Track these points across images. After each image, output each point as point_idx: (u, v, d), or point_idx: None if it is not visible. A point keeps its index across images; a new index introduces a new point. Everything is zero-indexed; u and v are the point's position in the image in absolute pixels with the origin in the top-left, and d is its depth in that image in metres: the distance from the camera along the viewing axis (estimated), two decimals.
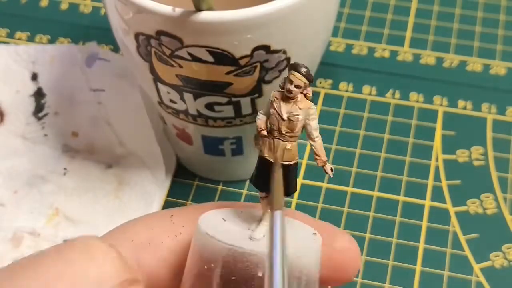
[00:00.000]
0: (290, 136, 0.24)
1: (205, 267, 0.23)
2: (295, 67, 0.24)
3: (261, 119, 0.25)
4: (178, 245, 0.26)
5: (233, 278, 0.23)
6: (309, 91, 0.24)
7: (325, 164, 0.25)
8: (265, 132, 0.24)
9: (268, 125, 0.24)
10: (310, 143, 0.25)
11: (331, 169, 0.25)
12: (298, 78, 0.24)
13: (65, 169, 0.41)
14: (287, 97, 0.24)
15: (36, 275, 0.23)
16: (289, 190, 0.24)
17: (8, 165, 0.41)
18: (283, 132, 0.24)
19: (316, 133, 0.24)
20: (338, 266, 0.26)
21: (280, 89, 0.24)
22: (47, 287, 0.22)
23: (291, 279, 0.23)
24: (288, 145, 0.24)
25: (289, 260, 0.21)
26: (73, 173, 0.41)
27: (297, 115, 0.24)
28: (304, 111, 0.24)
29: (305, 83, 0.24)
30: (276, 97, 0.24)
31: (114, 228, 0.27)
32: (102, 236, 0.26)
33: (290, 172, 0.24)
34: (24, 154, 0.41)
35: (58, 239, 0.38)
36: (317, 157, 0.25)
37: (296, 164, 0.25)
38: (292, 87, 0.24)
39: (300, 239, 0.25)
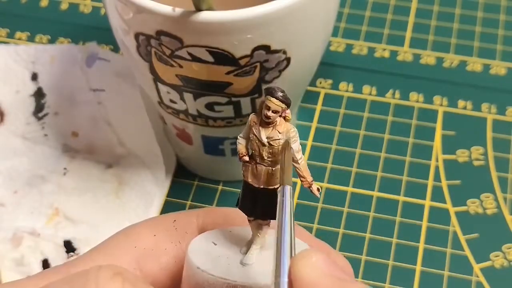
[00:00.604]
0: (272, 161, 0.23)
1: None
2: (271, 92, 0.23)
3: (241, 143, 0.24)
4: (181, 252, 0.26)
5: None
6: (288, 113, 0.23)
7: (311, 184, 0.24)
8: (246, 158, 0.23)
9: (250, 150, 0.24)
10: (294, 165, 0.23)
11: (318, 189, 0.24)
12: (274, 104, 0.23)
13: (65, 169, 0.41)
14: (265, 122, 0.23)
15: None
16: (275, 214, 0.23)
17: (8, 165, 0.41)
18: (265, 158, 0.23)
19: (299, 155, 0.23)
20: None
21: (258, 113, 0.23)
22: None
23: None
24: (271, 170, 0.23)
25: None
26: (73, 173, 0.41)
27: (278, 139, 0.23)
28: (284, 134, 0.23)
29: (282, 107, 0.23)
30: (254, 122, 0.23)
31: (117, 233, 0.27)
32: (106, 240, 0.26)
33: (271, 197, 0.23)
34: (24, 154, 0.41)
35: (58, 239, 0.38)
36: (302, 179, 0.24)
37: (277, 189, 0.23)
38: (269, 113, 0.23)
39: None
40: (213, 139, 0.37)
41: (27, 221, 0.39)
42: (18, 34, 0.48)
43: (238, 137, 0.24)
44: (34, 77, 0.44)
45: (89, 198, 0.40)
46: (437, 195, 0.40)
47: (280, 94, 0.23)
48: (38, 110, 0.43)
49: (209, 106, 0.34)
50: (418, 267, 0.38)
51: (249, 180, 0.24)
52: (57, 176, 0.40)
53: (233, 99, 0.34)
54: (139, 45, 0.32)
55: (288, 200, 0.21)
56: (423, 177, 0.41)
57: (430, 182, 0.41)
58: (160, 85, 0.34)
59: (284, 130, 0.23)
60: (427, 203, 0.40)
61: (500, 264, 0.38)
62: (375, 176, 0.41)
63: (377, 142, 0.42)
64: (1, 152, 0.41)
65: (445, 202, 0.40)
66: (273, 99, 0.23)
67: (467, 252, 0.38)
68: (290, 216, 0.21)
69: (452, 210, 0.40)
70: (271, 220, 0.24)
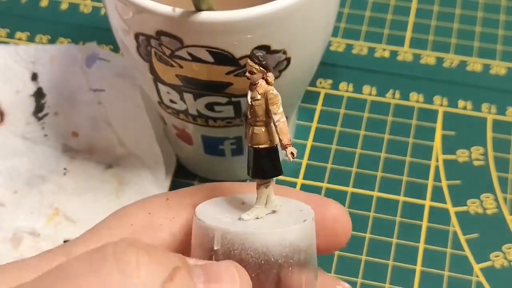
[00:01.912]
0: (255, 121, 0.25)
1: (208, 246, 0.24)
2: (249, 55, 0.25)
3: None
4: (176, 227, 0.27)
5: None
6: (269, 76, 0.25)
7: (286, 147, 0.25)
8: (244, 119, 0.25)
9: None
10: (273, 126, 0.25)
11: (292, 153, 0.25)
12: (250, 65, 0.24)
13: (65, 169, 0.41)
14: (250, 83, 0.25)
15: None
16: (265, 174, 0.25)
17: (8, 165, 0.41)
18: (249, 117, 0.25)
19: (276, 117, 0.25)
20: (331, 234, 0.27)
21: None
22: None
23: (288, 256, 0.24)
24: (255, 129, 0.25)
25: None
26: (73, 173, 0.41)
27: (257, 99, 0.25)
28: (263, 95, 0.25)
29: (256, 69, 0.24)
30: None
31: (110, 214, 0.27)
32: (100, 222, 0.27)
33: (258, 156, 0.25)
34: (24, 154, 0.41)
35: (58, 239, 0.38)
36: (280, 141, 0.25)
37: (266, 149, 0.25)
38: (247, 74, 0.25)
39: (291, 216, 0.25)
40: (213, 139, 0.37)
41: (27, 221, 0.39)
42: (18, 34, 0.48)
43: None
44: (34, 77, 0.44)
45: (89, 198, 0.40)
46: (437, 195, 0.40)
47: (256, 56, 0.24)
48: (38, 110, 0.43)
49: (209, 106, 0.34)
50: (418, 267, 0.38)
51: (245, 140, 0.25)
52: (57, 176, 0.40)
53: (233, 99, 0.34)
54: (139, 45, 0.32)
55: None
56: (423, 177, 0.41)
57: (430, 182, 0.41)
58: (160, 85, 0.34)
59: (262, 92, 0.25)
60: (427, 203, 0.40)
61: (500, 264, 0.38)
62: (375, 176, 0.41)
63: (377, 142, 0.42)
64: (1, 152, 0.41)
65: (445, 202, 0.40)
66: (249, 61, 0.24)
67: (467, 252, 0.38)
68: None
69: (452, 210, 0.40)
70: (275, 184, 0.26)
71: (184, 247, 0.27)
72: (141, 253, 0.23)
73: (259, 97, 0.25)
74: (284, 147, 0.25)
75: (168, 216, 0.27)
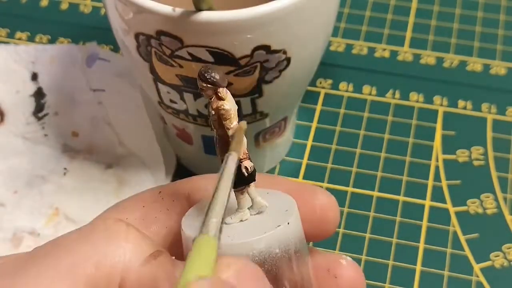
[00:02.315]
0: (217, 134, 0.25)
1: None
2: (198, 74, 0.24)
3: None
4: (171, 219, 0.27)
5: None
6: (221, 91, 0.25)
7: (242, 161, 0.25)
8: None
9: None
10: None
11: (246, 168, 0.25)
12: (199, 84, 0.25)
13: (65, 169, 0.41)
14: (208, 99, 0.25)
15: (63, 257, 0.24)
16: (234, 184, 0.25)
17: (8, 165, 0.41)
18: (212, 129, 0.25)
19: (230, 132, 0.25)
20: (320, 221, 0.27)
21: None
22: (74, 268, 0.23)
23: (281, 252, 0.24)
24: (217, 140, 0.25)
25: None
26: (73, 173, 0.41)
27: (212, 115, 0.25)
28: (216, 111, 0.25)
29: (203, 86, 0.24)
30: None
31: (105, 211, 0.28)
32: (96, 218, 0.27)
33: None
34: (24, 154, 0.41)
35: None
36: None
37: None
38: (201, 92, 0.25)
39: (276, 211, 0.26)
40: (213, 139, 0.37)
41: (27, 221, 0.39)
42: (18, 34, 0.48)
43: None
44: (34, 77, 0.44)
45: (89, 198, 0.40)
46: (437, 195, 0.40)
47: (203, 76, 0.24)
48: (38, 110, 0.43)
49: None
50: (418, 267, 0.38)
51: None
52: (57, 176, 0.40)
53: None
54: (139, 45, 0.32)
55: (229, 165, 0.23)
56: (423, 177, 0.41)
57: (430, 182, 0.41)
58: (160, 85, 0.34)
59: (215, 107, 0.25)
60: (427, 203, 0.40)
61: (500, 264, 0.38)
62: (375, 176, 0.41)
63: (377, 142, 0.42)
64: (1, 152, 0.41)
65: (445, 202, 0.40)
66: (198, 80, 0.25)
67: (467, 252, 0.38)
68: (226, 182, 0.23)
69: (452, 210, 0.40)
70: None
71: (178, 240, 0.27)
72: (130, 228, 0.25)
73: (213, 112, 0.25)
74: (240, 161, 0.25)
75: (162, 208, 0.27)
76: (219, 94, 0.25)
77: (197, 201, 0.27)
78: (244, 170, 0.25)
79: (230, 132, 0.25)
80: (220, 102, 0.25)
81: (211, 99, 0.25)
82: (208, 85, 0.24)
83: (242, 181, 0.25)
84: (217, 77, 0.25)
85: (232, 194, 0.26)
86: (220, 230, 0.21)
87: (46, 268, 0.23)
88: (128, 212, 0.27)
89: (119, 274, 0.24)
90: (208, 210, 0.22)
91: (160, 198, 0.28)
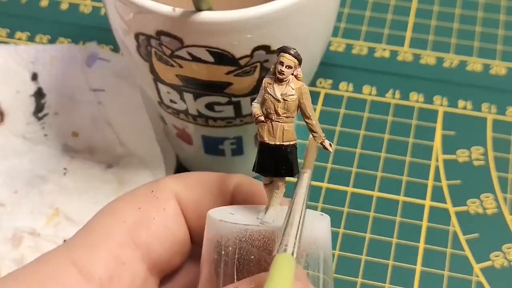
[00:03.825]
0: (287, 117, 0.25)
1: (223, 252, 0.24)
2: (284, 49, 0.25)
3: (256, 107, 0.26)
4: (168, 219, 0.27)
5: (252, 257, 0.24)
6: (299, 72, 0.25)
7: (324, 140, 0.25)
8: (262, 117, 0.25)
9: (264, 111, 0.25)
10: (306, 122, 0.25)
11: (330, 145, 0.25)
12: (288, 59, 0.25)
13: (65, 169, 0.41)
14: (279, 79, 0.25)
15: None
16: (292, 171, 0.25)
17: (8, 165, 0.41)
18: (280, 114, 0.25)
19: (311, 112, 0.25)
20: None
21: (271, 75, 0.25)
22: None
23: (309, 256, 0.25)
24: (286, 126, 0.25)
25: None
26: (73, 173, 0.40)
27: (291, 94, 0.25)
28: (297, 90, 0.25)
29: (295, 63, 0.25)
30: (268, 83, 0.25)
31: (100, 212, 0.28)
32: (92, 220, 0.27)
33: (291, 152, 0.25)
34: (24, 154, 0.41)
35: (58, 239, 0.38)
36: (314, 134, 0.26)
37: (295, 145, 0.25)
38: (283, 68, 0.25)
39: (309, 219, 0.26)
40: (213, 139, 0.37)
41: (27, 221, 0.39)
42: (18, 34, 0.48)
43: (253, 102, 0.26)
44: (34, 77, 0.44)
45: (89, 198, 0.40)
46: (437, 195, 0.40)
47: (292, 50, 0.25)
48: (38, 110, 0.43)
49: (209, 106, 0.34)
50: (418, 267, 0.38)
51: (266, 139, 0.25)
52: (57, 176, 0.40)
53: (233, 99, 0.34)
54: (139, 45, 0.32)
55: (305, 182, 0.24)
56: (423, 177, 0.41)
57: (430, 182, 0.41)
58: (160, 85, 0.34)
59: (296, 86, 0.25)
60: (427, 203, 0.40)
61: (500, 264, 0.38)
62: (375, 176, 0.41)
63: (377, 142, 0.42)
64: (1, 152, 0.41)
65: (445, 202, 0.40)
66: (286, 55, 0.25)
67: (467, 252, 0.38)
68: (304, 197, 0.24)
69: (452, 210, 0.40)
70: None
71: (175, 238, 0.27)
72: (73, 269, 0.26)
73: (293, 92, 0.25)
74: (322, 140, 0.25)
75: (159, 208, 0.27)
76: (298, 75, 0.25)
77: (189, 200, 0.28)
78: (328, 146, 0.25)
79: (310, 112, 0.25)
80: (300, 82, 0.25)
81: (285, 80, 0.25)
82: (295, 61, 0.25)
83: (297, 167, 0.25)
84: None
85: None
86: (295, 248, 0.22)
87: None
88: (125, 215, 0.27)
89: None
90: (285, 228, 0.22)
91: (154, 197, 0.28)
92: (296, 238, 0.22)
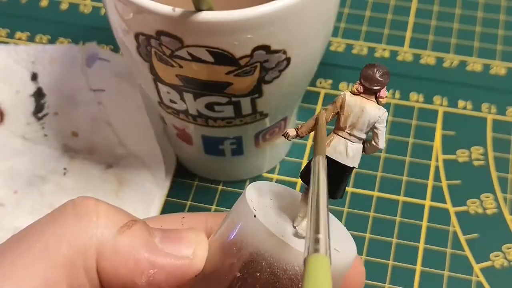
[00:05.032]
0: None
1: (251, 252, 0.24)
2: (371, 74, 0.24)
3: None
4: None
5: (269, 269, 0.23)
6: (383, 93, 0.24)
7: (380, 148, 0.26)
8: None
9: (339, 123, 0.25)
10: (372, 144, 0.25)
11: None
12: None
13: (65, 169, 0.41)
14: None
15: (36, 241, 0.24)
16: (338, 194, 0.25)
17: (8, 165, 0.41)
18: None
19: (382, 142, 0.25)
20: (347, 283, 0.26)
21: (355, 90, 0.25)
22: (48, 251, 0.24)
23: None
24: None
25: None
26: (73, 173, 0.41)
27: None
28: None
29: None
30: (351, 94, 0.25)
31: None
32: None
33: (346, 174, 0.25)
34: (24, 154, 0.41)
35: None
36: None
37: (352, 168, 0.25)
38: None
39: (339, 236, 0.25)
40: (213, 139, 0.37)
41: (27, 221, 0.38)
42: (18, 34, 0.48)
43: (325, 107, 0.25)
44: (34, 77, 0.44)
45: None
46: (437, 195, 0.40)
47: (381, 76, 0.24)
48: (38, 110, 0.43)
49: (209, 106, 0.34)
50: (418, 267, 0.38)
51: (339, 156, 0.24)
52: (57, 176, 0.40)
53: (233, 99, 0.34)
54: (139, 45, 0.32)
55: (320, 174, 0.22)
56: (423, 177, 0.41)
57: (430, 182, 0.41)
58: (160, 85, 0.34)
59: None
60: (427, 203, 0.40)
61: (500, 264, 0.38)
62: (375, 176, 0.41)
63: None
64: (1, 152, 0.41)
65: (445, 202, 0.40)
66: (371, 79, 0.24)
67: (467, 252, 0.38)
68: (324, 186, 0.22)
69: (452, 210, 0.40)
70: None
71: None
72: (100, 203, 0.25)
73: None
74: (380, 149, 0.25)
75: None
76: (381, 97, 0.24)
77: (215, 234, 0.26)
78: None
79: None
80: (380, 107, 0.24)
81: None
82: (382, 87, 0.24)
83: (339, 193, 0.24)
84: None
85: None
86: (328, 246, 0.19)
87: (20, 255, 0.24)
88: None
89: (94, 249, 0.24)
90: (310, 224, 0.20)
91: (180, 223, 0.27)
92: (327, 234, 0.19)
